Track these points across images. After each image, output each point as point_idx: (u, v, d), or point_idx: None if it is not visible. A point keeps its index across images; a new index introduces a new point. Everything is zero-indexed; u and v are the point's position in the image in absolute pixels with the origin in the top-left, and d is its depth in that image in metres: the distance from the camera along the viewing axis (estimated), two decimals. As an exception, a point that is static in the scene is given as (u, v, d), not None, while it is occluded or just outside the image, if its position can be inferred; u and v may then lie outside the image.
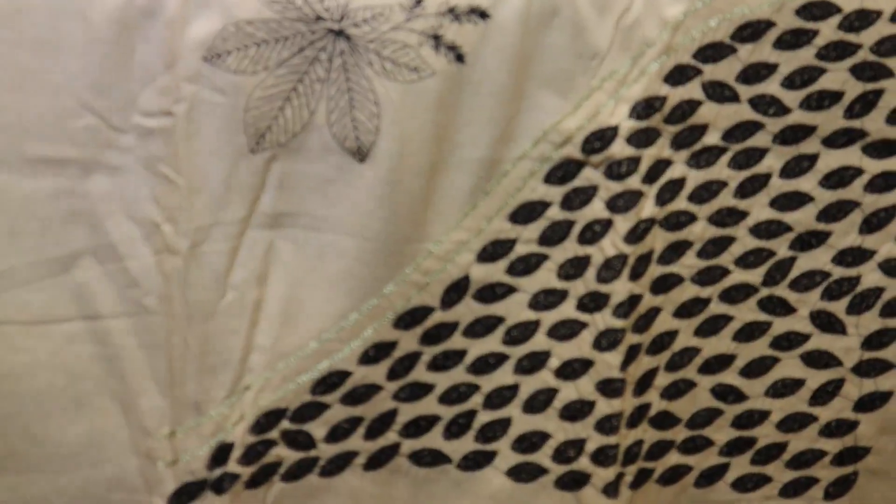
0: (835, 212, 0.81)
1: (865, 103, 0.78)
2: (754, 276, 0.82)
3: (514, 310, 0.79)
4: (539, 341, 0.80)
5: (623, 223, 0.77)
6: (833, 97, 0.77)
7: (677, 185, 0.78)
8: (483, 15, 0.71)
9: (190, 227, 0.73)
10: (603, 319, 0.79)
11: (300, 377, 0.77)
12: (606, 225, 0.77)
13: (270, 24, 0.68)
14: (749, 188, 0.80)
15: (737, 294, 0.82)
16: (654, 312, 0.81)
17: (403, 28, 0.70)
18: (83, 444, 0.77)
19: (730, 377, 0.83)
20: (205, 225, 0.73)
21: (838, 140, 0.79)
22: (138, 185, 0.72)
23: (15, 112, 0.70)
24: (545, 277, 0.78)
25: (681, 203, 0.79)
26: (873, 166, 0.80)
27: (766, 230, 0.81)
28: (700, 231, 0.80)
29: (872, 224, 0.81)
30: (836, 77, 0.77)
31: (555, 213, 0.77)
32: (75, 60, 0.70)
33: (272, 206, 0.73)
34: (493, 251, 0.77)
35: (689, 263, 0.81)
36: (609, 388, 0.80)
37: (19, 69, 0.70)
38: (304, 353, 0.77)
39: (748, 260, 0.81)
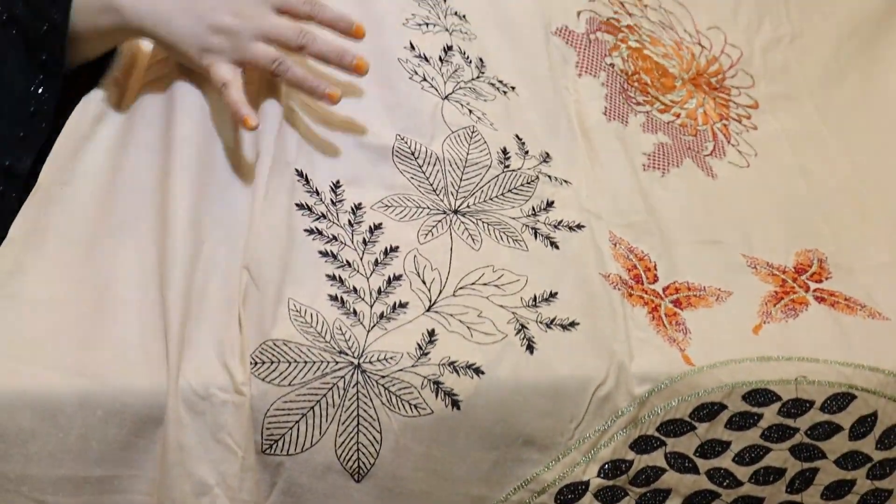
0: (782, 578, 0.88)
1: (804, 480, 0.88)
2: None
3: None
4: None
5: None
6: (777, 473, 0.88)
7: (641, 544, 0.86)
8: (478, 371, 0.82)
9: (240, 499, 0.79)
10: None
11: None
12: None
13: (302, 347, 0.80)
14: (708, 552, 0.87)
15: None
16: None
17: (410, 371, 0.81)
18: None
19: None
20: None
21: (783, 512, 0.88)
22: (201, 448, 0.78)
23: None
24: None
25: (643, 565, 0.86)
26: (813, 537, 0.89)
27: None
28: None
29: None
30: (779, 455, 0.87)
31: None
32: None
33: None
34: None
35: None
36: None
37: None
38: None
39: None
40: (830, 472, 0.88)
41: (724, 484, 0.87)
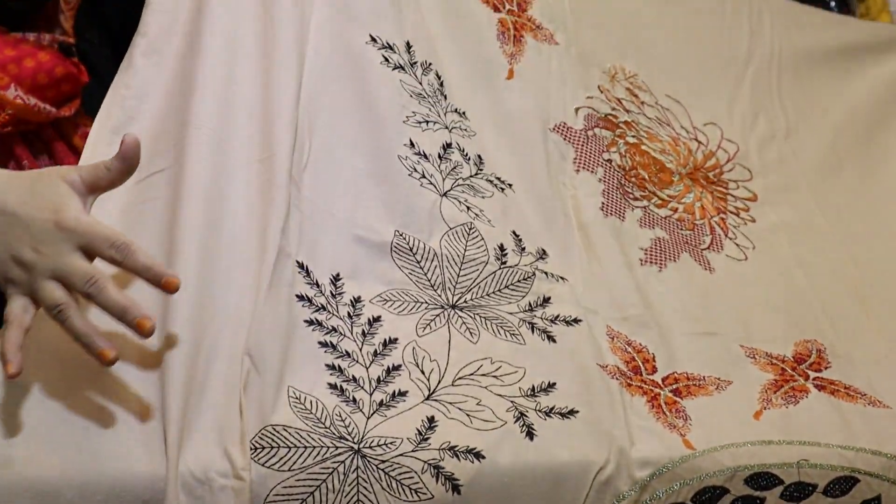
0: None
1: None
2: None
3: None
4: None
5: None
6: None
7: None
8: (479, 456, 0.83)
9: None
10: None
11: None
12: None
13: (302, 433, 0.80)
14: None
15: None
16: None
17: (410, 456, 0.81)
18: None
19: None
20: None
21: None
22: None
23: None
24: None
25: None
26: None
27: None
28: None
29: None
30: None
31: None
32: None
33: None
34: None
35: None
36: None
37: None
38: None
39: None
40: (834, 556, 0.88)
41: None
